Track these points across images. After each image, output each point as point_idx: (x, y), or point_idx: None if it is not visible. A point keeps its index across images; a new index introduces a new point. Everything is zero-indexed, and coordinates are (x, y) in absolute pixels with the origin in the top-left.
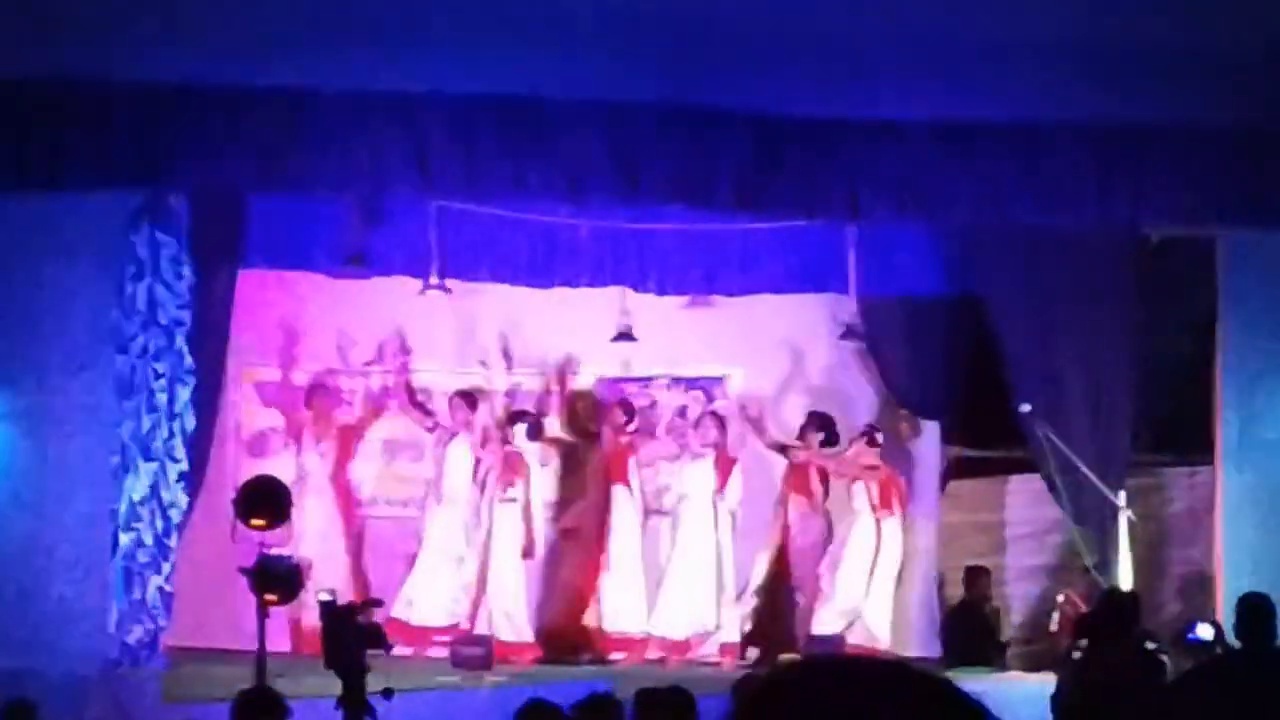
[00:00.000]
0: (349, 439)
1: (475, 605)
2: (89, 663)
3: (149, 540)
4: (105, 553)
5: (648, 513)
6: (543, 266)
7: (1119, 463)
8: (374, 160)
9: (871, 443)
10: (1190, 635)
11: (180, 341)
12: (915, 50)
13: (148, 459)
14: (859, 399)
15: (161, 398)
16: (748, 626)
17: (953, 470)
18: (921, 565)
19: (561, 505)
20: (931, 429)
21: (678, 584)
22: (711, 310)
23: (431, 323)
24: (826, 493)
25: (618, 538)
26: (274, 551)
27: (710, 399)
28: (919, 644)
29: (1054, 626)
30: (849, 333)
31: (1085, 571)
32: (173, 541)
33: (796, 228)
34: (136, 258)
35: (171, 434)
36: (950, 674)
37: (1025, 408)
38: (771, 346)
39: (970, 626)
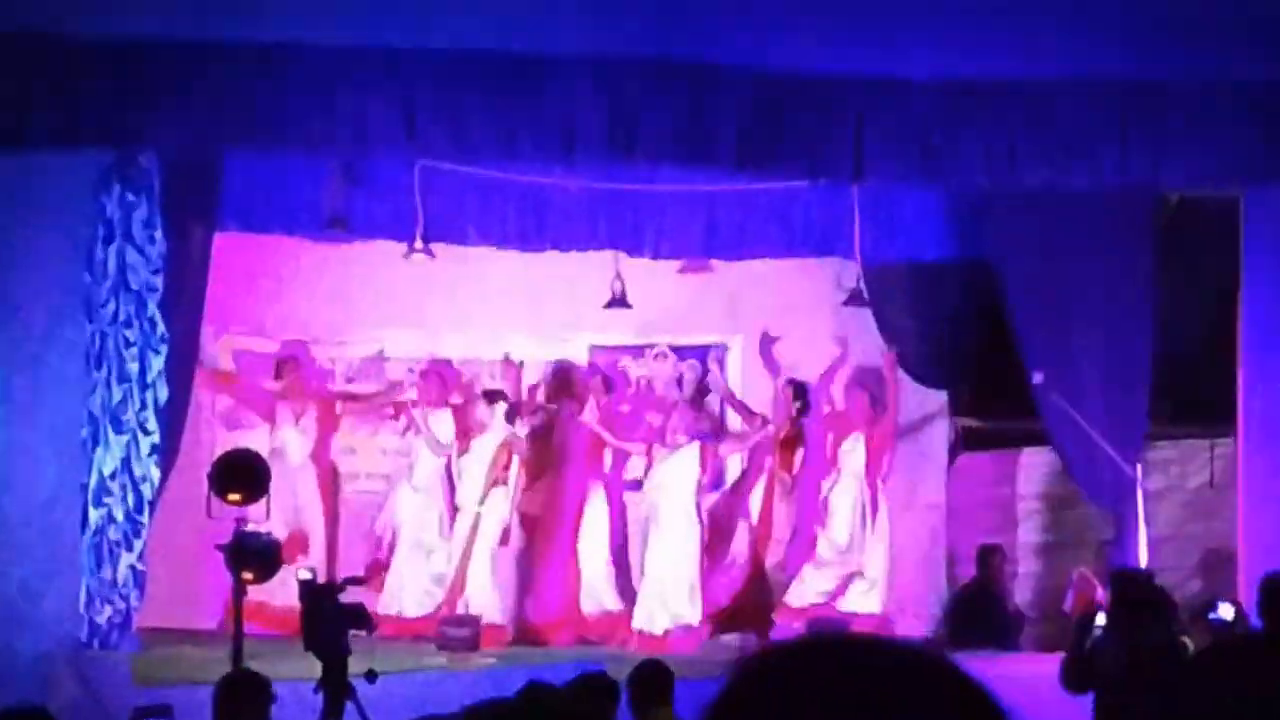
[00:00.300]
0: (329, 412)
1: (454, 593)
2: (58, 643)
3: (120, 516)
4: (75, 529)
5: (621, 499)
6: (532, 230)
7: (1136, 434)
8: (356, 118)
9: (865, 402)
10: (1211, 615)
11: (152, 308)
12: (923, 2)
13: (119, 431)
14: (863, 367)
15: (133, 367)
16: (724, 603)
17: (962, 443)
18: (929, 542)
19: (530, 486)
20: (940, 399)
21: (656, 578)
22: (710, 275)
23: (415, 288)
24: (805, 462)
25: (589, 524)
26: (251, 528)
27: (706, 370)
28: (925, 623)
29: (1068, 605)
30: (854, 298)
31: (1100, 548)
32: (145, 518)
33: (799, 189)
34: (106, 220)
35: (144, 405)
36: (960, 655)
37: (1038, 377)
38: (773, 313)
39: (981, 606)
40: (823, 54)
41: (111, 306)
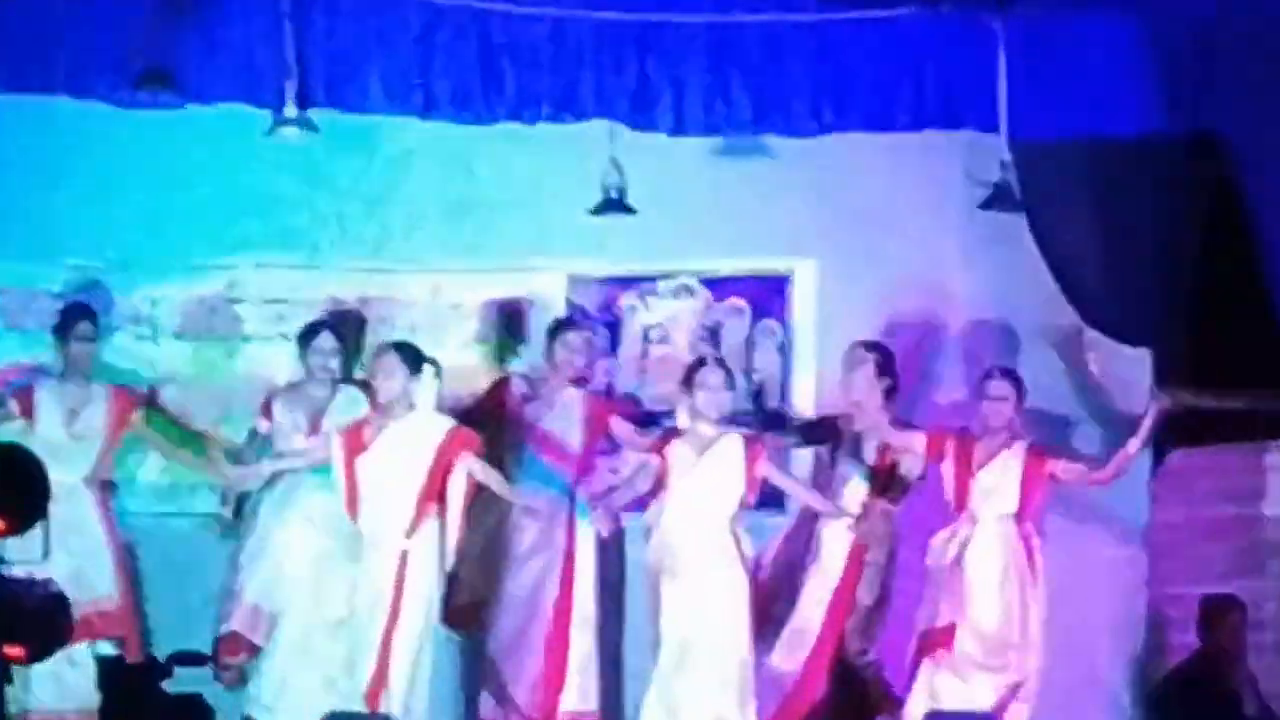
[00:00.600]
0: (124, 395)
1: (375, 684)
2: None
3: None
4: None
5: (609, 546)
6: (477, 87)
7: None
8: None
9: (999, 393)
10: None
11: None
12: None
13: None
14: (1011, 315)
15: None
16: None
17: (1175, 432)
18: (1120, 594)
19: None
20: (1139, 363)
21: (675, 665)
22: (763, 162)
23: (286, 185)
24: (902, 486)
25: (578, 573)
26: (18, 572)
27: (758, 315)
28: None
29: None
30: (997, 198)
31: None
32: None
33: (906, 19)
34: None
35: None
36: None
37: None
38: (864, 223)
39: (1208, 695)
40: None
41: None
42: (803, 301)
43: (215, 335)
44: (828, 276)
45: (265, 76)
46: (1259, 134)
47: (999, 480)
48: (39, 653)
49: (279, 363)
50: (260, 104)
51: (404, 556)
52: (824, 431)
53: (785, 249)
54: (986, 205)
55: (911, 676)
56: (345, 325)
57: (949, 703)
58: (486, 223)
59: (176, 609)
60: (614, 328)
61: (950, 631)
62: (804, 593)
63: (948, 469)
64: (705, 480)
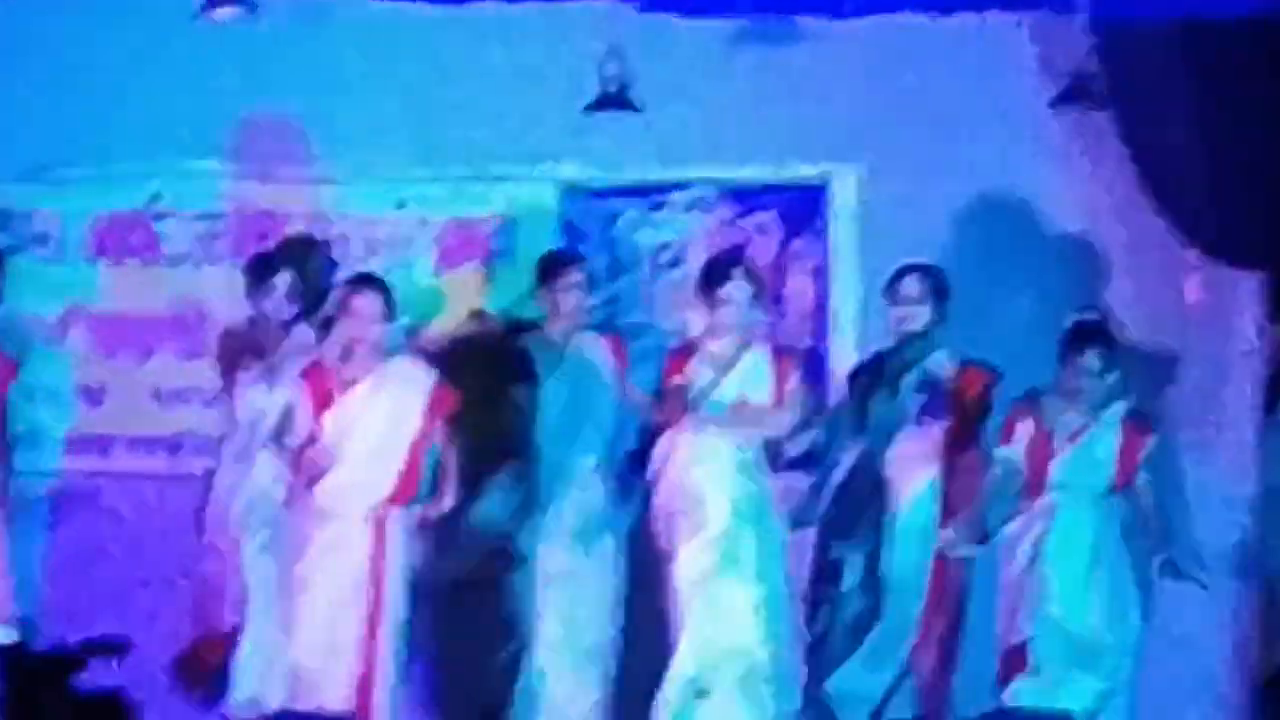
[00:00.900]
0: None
1: (365, 682)
2: None
3: None
4: None
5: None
6: None
7: None
8: None
9: (1095, 357)
10: None
11: None
12: None
13: None
14: (1094, 233)
15: None
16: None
17: None
18: (1220, 576)
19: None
20: (1245, 289)
21: (706, 642)
22: (794, 49)
23: (221, 75)
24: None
25: (548, 556)
26: None
27: (791, 234)
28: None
29: None
30: (1077, 91)
31: None
32: None
33: None
34: None
35: None
36: None
37: None
38: (916, 121)
39: None
40: None
41: None
42: (843, 216)
43: (134, 257)
44: (872, 186)
45: None
46: None
47: (1088, 457)
48: None
49: (211, 289)
50: None
51: (379, 531)
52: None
53: (822, 153)
54: (1063, 100)
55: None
56: (304, 257)
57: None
58: (459, 123)
59: (97, 587)
60: (614, 249)
61: (1024, 649)
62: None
63: (1022, 440)
64: (726, 407)
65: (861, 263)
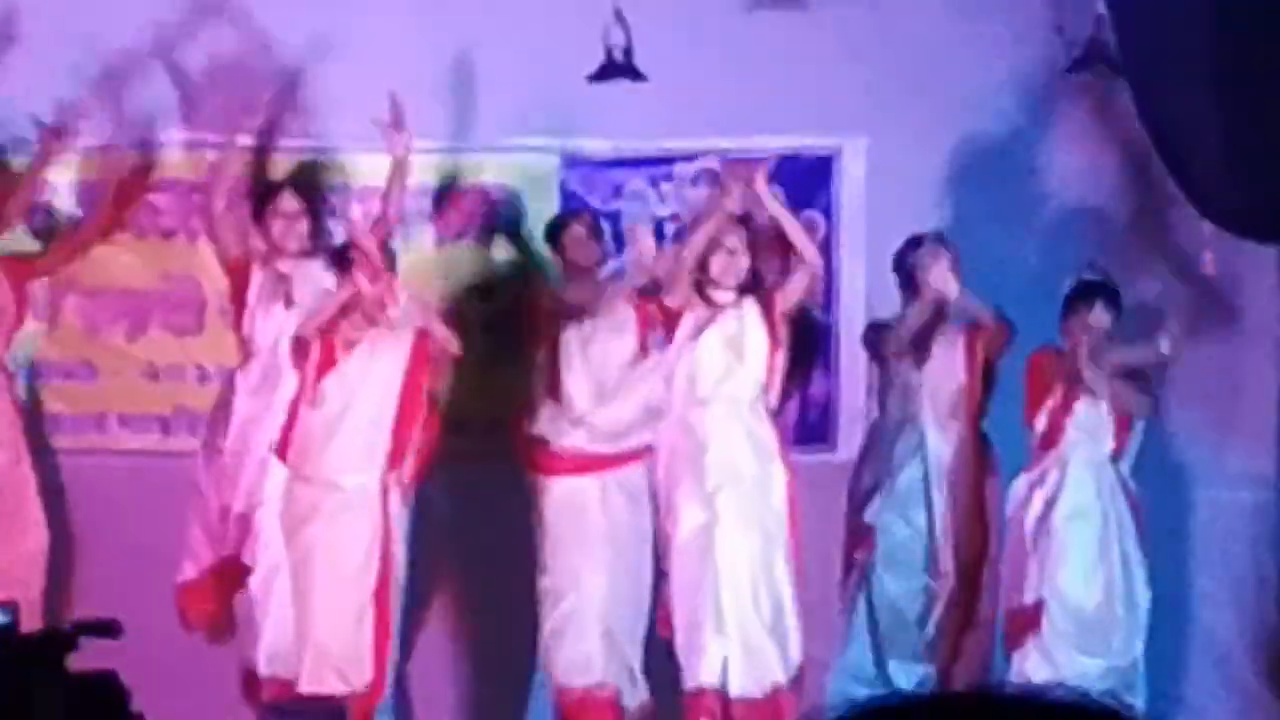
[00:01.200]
0: (22, 292)
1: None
2: None
3: None
4: None
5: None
6: None
7: None
8: None
9: (1098, 322)
10: None
11: None
12: None
13: None
14: (1108, 204)
15: None
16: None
17: None
18: (1241, 559)
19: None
20: (1264, 264)
21: (703, 598)
22: (802, 15)
23: (212, 37)
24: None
25: (560, 518)
26: None
27: (798, 201)
28: (1214, 710)
29: None
30: (1091, 57)
31: None
32: None
33: None
34: None
35: None
36: None
37: None
38: (925, 89)
39: None
40: None
41: None
42: (851, 187)
43: (125, 231)
44: (881, 156)
45: None
46: None
47: (1096, 414)
48: None
49: (201, 261)
50: None
51: (385, 497)
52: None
53: (830, 124)
54: (1077, 67)
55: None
56: (312, 183)
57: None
58: (459, 91)
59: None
60: (618, 220)
61: (1039, 610)
62: None
63: (1055, 396)
64: (721, 346)
65: (869, 234)
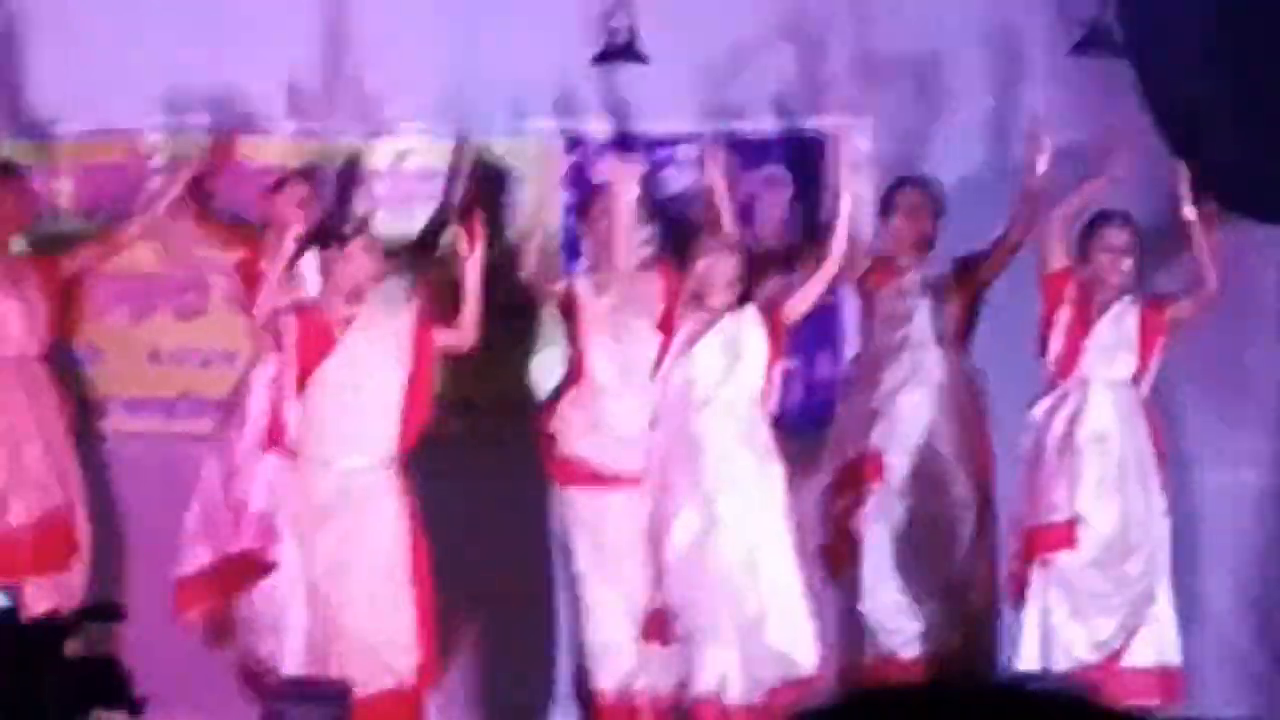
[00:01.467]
0: (52, 278)
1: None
2: None
3: None
4: None
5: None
6: None
7: None
8: None
9: (1118, 243)
10: None
11: None
12: None
13: None
14: (1117, 186)
15: None
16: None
17: None
18: (1250, 520)
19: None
20: (1272, 246)
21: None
22: None
23: (213, 25)
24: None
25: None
26: None
27: (801, 178)
28: (1243, 694)
29: None
30: (1093, 38)
31: None
32: None
33: None
34: None
35: None
36: None
37: None
38: (928, 71)
39: None
40: None
41: None
42: (854, 170)
43: (129, 214)
44: (884, 138)
45: None
46: None
47: (1114, 335)
48: None
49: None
50: None
51: (402, 478)
52: None
53: (833, 105)
54: (1081, 48)
55: (1020, 592)
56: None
57: (1062, 637)
58: (462, 75)
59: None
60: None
61: (1072, 528)
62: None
63: (1064, 317)
64: (719, 349)
65: (872, 215)
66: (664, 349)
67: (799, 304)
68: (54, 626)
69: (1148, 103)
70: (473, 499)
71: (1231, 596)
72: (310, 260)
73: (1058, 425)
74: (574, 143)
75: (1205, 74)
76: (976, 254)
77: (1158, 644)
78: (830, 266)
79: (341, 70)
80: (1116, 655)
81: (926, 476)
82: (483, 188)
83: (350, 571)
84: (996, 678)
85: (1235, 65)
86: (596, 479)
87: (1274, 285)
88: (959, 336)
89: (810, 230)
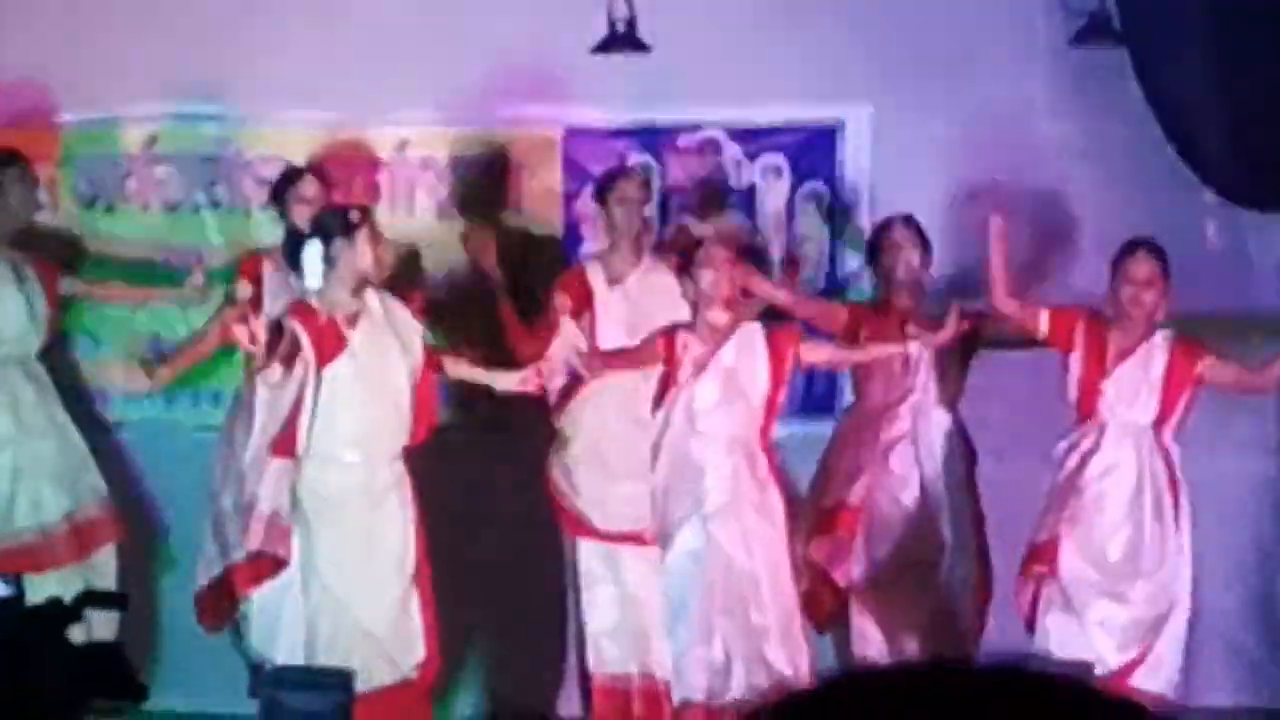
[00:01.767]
0: (54, 284)
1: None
2: None
3: None
4: None
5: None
6: None
7: None
8: None
9: (1143, 275)
10: None
11: None
12: None
13: None
14: (1113, 173)
15: None
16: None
17: None
18: (1247, 518)
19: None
20: (1266, 232)
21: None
22: None
23: (218, 19)
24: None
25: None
26: None
27: (802, 173)
28: (1245, 683)
29: None
30: (1093, 29)
31: None
32: None
33: None
34: None
35: None
36: None
37: None
38: (928, 63)
39: None
40: None
41: None
42: (856, 157)
43: (131, 203)
44: (885, 126)
45: None
46: None
47: (1137, 380)
48: None
49: (208, 233)
50: None
51: (408, 472)
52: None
53: (834, 93)
54: (1080, 39)
55: (1032, 608)
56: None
57: (1069, 646)
58: (462, 63)
59: None
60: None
61: (1053, 546)
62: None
63: (1076, 362)
64: (721, 381)
65: (872, 206)
66: (664, 382)
67: (818, 355)
68: (56, 614)
69: (1145, 92)
70: (474, 491)
71: (1234, 589)
72: (314, 252)
73: (1071, 461)
74: (574, 131)
75: (1202, 63)
76: (978, 316)
77: (1157, 675)
78: (869, 353)
79: (344, 60)
80: (1116, 677)
81: (910, 528)
82: (485, 177)
83: (356, 565)
84: (996, 658)
85: (1232, 54)
86: (604, 537)
87: (1272, 273)
88: (957, 396)
89: (819, 218)
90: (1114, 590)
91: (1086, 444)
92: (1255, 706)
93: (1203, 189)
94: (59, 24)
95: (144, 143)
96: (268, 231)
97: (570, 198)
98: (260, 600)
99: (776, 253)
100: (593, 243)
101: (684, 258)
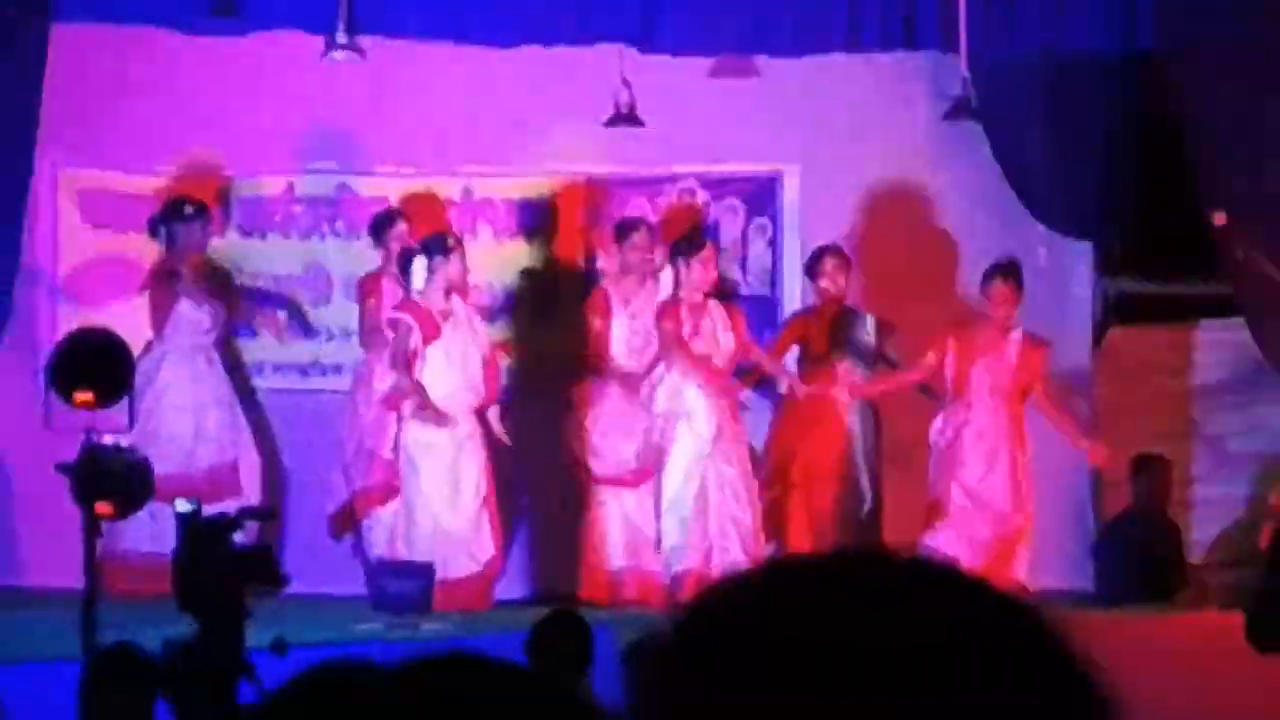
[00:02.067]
0: (225, 287)
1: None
2: None
3: None
4: None
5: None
6: (502, 16)
7: None
8: None
9: (1002, 297)
10: None
11: None
12: None
13: None
14: (974, 212)
15: None
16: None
17: (1114, 313)
18: (1066, 456)
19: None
20: (1081, 254)
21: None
22: (753, 81)
23: (338, 99)
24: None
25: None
26: (108, 440)
27: (753, 210)
28: (1064, 572)
29: (1264, 542)
30: (958, 109)
31: None
32: None
33: None
34: None
35: None
36: (1109, 614)
37: (1219, 218)
38: (842, 132)
39: (1140, 544)
40: None
41: None
42: (791, 200)
43: (276, 233)
44: (810, 180)
45: (319, 4)
46: (1200, 58)
47: (996, 367)
48: (125, 509)
49: (330, 255)
50: (313, 30)
51: (483, 421)
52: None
53: (773, 155)
54: (949, 116)
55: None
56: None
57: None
58: (513, 134)
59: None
60: (629, 225)
61: (945, 495)
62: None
63: (949, 365)
64: (706, 342)
65: (803, 235)
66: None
67: (754, 354)
68: (223, 523)
69: (997, 155)
70: (525, 441)
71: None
72: (420, 264)
73: (948, 432)
74: (592, 180)
75: (1037, 133)
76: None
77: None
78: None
79: (424, 127)
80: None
81: (839, 478)
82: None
83: (445, 491)
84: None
85: (1058, 127)
86: (604, 481)
87: (1083, 280)
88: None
89: (765, 244)
90: (992, 529)
91: (959, 418)
92: (1073, 589)
93: (1036, 223)
94: (225, 105)
95: (285, 189)
96: (370, 256)
97: (588, 230)
98: (376, 516)
99: (737, 272)
100: (607, 266)
101: (677, 246)
